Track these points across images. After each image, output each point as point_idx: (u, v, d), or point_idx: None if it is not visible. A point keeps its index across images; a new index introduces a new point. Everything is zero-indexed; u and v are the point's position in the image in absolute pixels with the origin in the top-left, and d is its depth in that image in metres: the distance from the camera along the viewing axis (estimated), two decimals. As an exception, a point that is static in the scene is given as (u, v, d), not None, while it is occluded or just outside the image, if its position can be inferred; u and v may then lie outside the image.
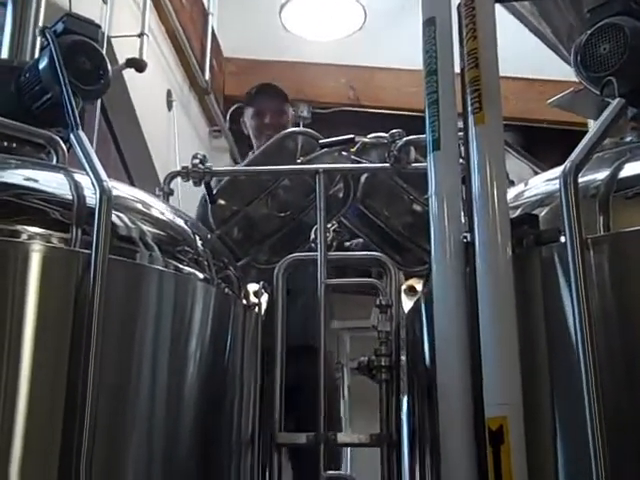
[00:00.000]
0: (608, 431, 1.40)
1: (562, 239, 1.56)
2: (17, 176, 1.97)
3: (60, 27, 2.19)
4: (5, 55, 2.42)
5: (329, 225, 2.39)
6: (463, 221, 1.74)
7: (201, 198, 3.46)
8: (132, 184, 4.67)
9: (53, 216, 1.81)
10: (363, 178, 2.54)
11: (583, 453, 1.42)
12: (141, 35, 4.41)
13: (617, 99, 1.70)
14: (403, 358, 2.15)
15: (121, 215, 1.90)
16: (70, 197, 1.85)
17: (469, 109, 1.69)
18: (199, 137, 5.90)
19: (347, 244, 2.87)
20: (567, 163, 1.55)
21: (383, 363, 2.12)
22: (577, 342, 1.44)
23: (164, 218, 2.08)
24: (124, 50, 4.26)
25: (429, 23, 1.82)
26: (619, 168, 1.68)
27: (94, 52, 2.18)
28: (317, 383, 2.19)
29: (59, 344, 1.65)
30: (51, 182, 1.93)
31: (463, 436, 1.56)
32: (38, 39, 2.44)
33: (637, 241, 1.55)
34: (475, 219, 1.63)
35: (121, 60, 4.22)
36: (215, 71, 5.93)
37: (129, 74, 4.33)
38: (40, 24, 2.49)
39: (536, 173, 3.96)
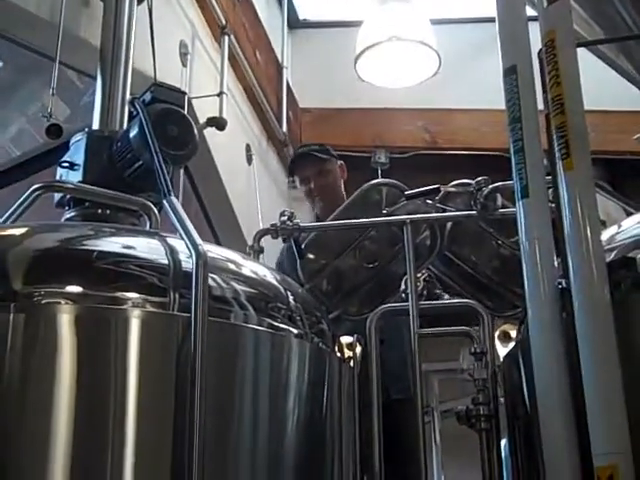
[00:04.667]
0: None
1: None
2: (114, 244, 2.02)
3: (148, 96, 2.27)
4: (96, 125, 2.52)
5: (419, 275, 2.39)
6: (556, 265, 1.73)
7: (280, 253, 3.50)
8: (216, 239, 4.77)
9: (150, 281, 1.84)
10: (449, 225, 2.54)
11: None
12: (220, 94, 4.50)
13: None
14: (501, 405, 2.12)
15: (215, 276, 1.93)
16: (166, 262, 1.89)
17: (557, 155, 1.68)
18: (278, 189, 5.97)
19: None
20: (664, 205, 1.54)
21: (482, 412, 2.10)
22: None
23: (255, 276, 2.11)
24: (204, 109, 4.36)
25: (510, 71, 1.83)
26: None
27: (181, 119, 2.25)
28: (416, 436, 2.19)
29: (163, 408, 1.68)
30: (146, 248, 1.98)
31: (571, 485, 1.54)
32: (126, 108, 2.53)
33: None
34: (570, 264, 1.62)
35: (201, 119, 4.32)
36: (291, 122, 6.02)
37: (209, 131, 4.43)
38: (128, 93, 2.59)
39: (625, 210, 3.90)
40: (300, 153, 3.95)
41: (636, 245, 1.74)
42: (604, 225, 2.00)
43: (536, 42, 1.86)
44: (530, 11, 1.97)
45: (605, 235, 1.86)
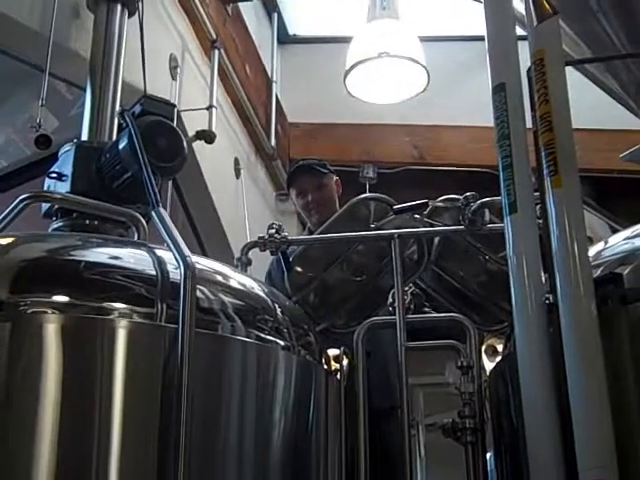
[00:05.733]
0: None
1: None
2: (101, 254, 2.02)
3: (138, 109, 2.28)
4: (85, 137, 2.53)
5: (406, 288, 2.39)
6: (543, 280, 1.74)
7: (270, 265, 3.51)
8: (203, 251, 4.76)
9: (138, 292, 1.85)
10: (437, 240, 2.55)
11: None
12: (209, 108, 4.51)
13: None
14: (486, 418, 2.13)
15: (202, 288, 1.92)
16: (153, 273, 1.89)
17: (545, 172, 1.69)
18: (266, 202, 5.98)
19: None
20: (649, 222, 1.55)
21: (468, 425, 2.10)
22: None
23: (243, 288, 2.11)
24: (193, 122, 4.37)
25: (499, 89, 1.85)
26: None
27: (171, 131, 2.25)
28: (401, 447, 2.19)
29: (149, 418, 1.68)
30: (134, 258, 1.98)
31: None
32: (115, 120, 2.54)
33: None
34: (557, 280, 1.63)
35: (191, 132, 4.32)
36: (280, 136, 6.03)
37: (198, 144, 4.44)
38: (117, 105, 2.59)
39: (610, 227, 3.94)
40: (299, 166, 3.98)
41: (622, 261, 1.76)
42: (591, 242, 2.01)
43: (525, 61, 1.88)
44: (519, 31, 1.99)
45: (592, 251, 1.87)
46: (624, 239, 1.86)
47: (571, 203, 1.66)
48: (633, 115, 2.50)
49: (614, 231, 3.35)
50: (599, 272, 1.74)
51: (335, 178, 3.88)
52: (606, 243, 1.92)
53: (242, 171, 5.37)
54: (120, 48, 2.72)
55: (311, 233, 3.59)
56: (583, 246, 1.63)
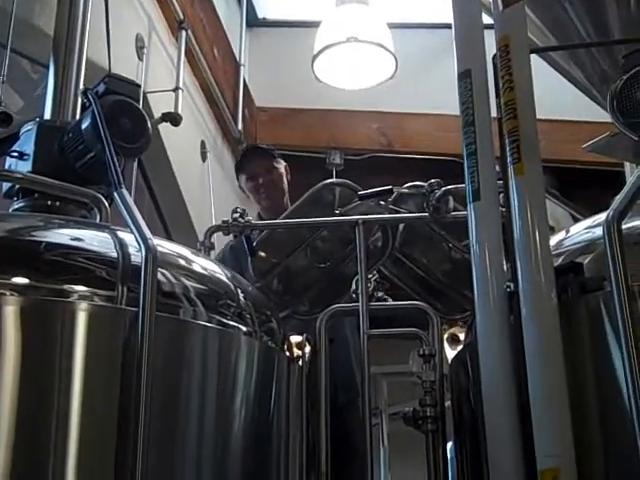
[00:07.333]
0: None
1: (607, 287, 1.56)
2: (62, 235, 1.99)
3: (102, 88, 2.24)
4: (48, 115, 2.48)
5: (370, 275, 2.39)
6: (505, 269, 1.75)
7: (224, 248, 3.50)
8: (168, 235, 4.74)
9: (98, 274, 1.82)
10: (401, 227, 2.55)
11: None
12: (176, 89, 4.48)
13: (657, 145, 1.70)
14: (448, 407, 2.14)
15: (164, 271, 1.91)
16: (115, 255, 1.87)
17: (508, 159, 1.70)
18: (232, 186, 5.92)
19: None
20: (610, 211, 1.56)
21: (429, 413, 2.11)
22: (627, 390, 1.43)
23: (206, 273, 2.09)
24: (159, 104, 4.33)
25: (465, 75, 1.85)
26: (663, 213, 1.68)
27: (135, 111, 2.22)
28: (362, 436, 2.19)
29: (108, 403, 1.66)
30: (96, 240, 1.96)
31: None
32: (79, 99, 2.50)
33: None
34: (519, 268, 1.64)
35: (156, 114, 4.29)
36: (247, 121, 6.00)
37: (164, 127, 4.40)
38: (81, 84, 2.56)
39: (572, 217, 3.97)
40: (250, 148, 4.00)
41: (583, 251, 1.77)
42: (553, 231, 2.03)
43: (491, 49, 1.88)
44: (486, 19, 1.99)
45: (553, 240, 1.88)
46: (585, 228, 1.87)
47: (533, 191, 1.66)
48: (597, 106, 2.51)
49: (576, 221, 3.37)
50: (560, 261, 1.75)
51: (284, 164, 3.91)
52: (567, 232, 1.93)
53: (208, 155, 5.34)
54: (85, 26, 2.67)
55: (261, 218, 3.62)
56: (544, 234, 1.63)
